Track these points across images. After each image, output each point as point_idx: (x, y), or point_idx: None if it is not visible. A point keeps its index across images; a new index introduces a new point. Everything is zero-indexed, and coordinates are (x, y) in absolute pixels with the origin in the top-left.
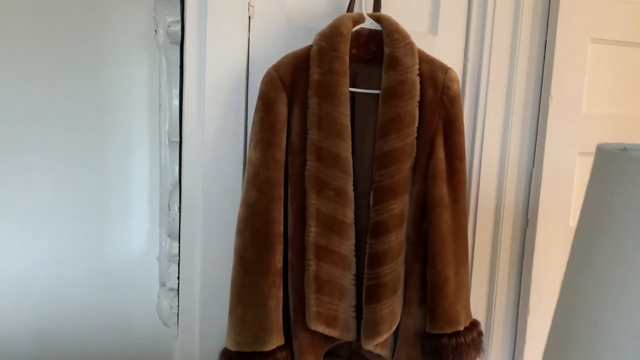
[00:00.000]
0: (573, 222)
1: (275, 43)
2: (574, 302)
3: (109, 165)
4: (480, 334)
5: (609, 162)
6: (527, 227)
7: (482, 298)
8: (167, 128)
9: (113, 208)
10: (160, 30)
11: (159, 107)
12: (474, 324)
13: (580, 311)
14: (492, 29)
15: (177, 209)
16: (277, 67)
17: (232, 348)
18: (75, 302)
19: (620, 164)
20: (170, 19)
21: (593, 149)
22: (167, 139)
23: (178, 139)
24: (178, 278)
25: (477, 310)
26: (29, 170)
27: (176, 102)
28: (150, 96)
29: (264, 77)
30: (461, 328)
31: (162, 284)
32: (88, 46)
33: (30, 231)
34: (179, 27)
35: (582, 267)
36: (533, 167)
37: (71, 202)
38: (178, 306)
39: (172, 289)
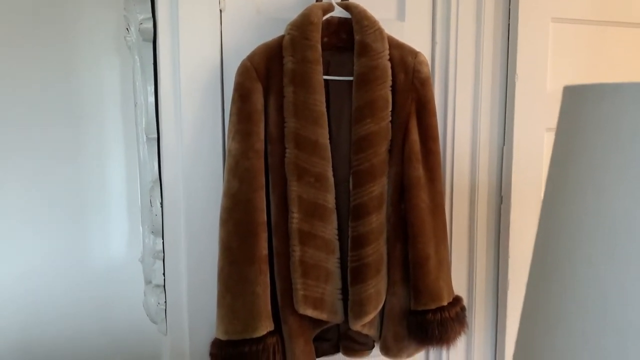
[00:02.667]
0: None
1: (247, 35)
2: (554, 229)
3: (85, 169)
4: (463, 308)
5: (573, 95)
6: (501, 203)
7: (462, 274)
8: (144, 125)
9: (91, 212)
10: (132, 29)
11: (135, 106)
12: (457, 299)
13: (560, 237)
14: (458, 13)
15: (159, 205)
16: (251, 58)
17: (222, 337)
18: (59, 310)
19: (581, 94)
20: (141, 17)
21: None
22: (144, 136)
23: (156, 136)
24: (164, 274)
25: (459, 287)
26: (1, 175)
27: (152, 99)
28: (123, 95)
29: (239, 69)
30: (445, 303)
31: (148, 282)
32: (58, 47)
33: (6, 240)
34: (150, 24)
35: (557, 197)
36: (504, 144)
37: (48, 207)
38: (165, 302)
39: (158, 286)
